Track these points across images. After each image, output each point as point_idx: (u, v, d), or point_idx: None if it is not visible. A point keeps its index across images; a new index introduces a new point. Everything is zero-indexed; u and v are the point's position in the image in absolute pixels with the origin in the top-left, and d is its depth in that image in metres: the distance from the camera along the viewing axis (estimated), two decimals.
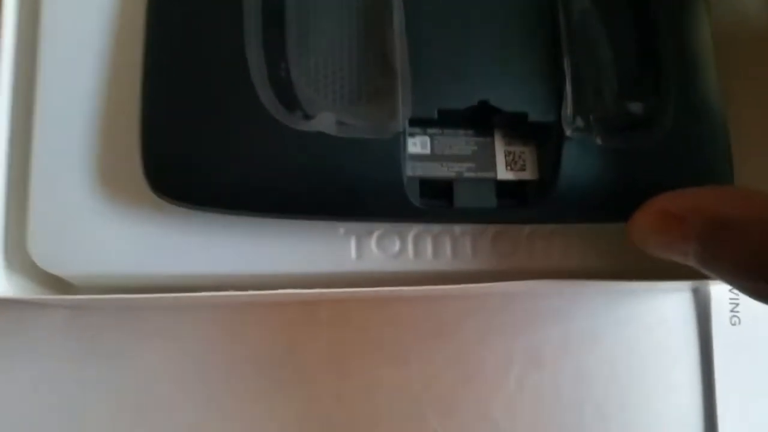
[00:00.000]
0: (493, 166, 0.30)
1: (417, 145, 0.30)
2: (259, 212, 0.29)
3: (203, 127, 0.28)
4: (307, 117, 0.28)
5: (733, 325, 0.43)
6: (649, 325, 0.42)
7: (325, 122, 0.28)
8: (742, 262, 0.25)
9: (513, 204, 0.30)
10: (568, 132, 0.29)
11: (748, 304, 0.43)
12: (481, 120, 0.30)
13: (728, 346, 0.43)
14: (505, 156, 0.31)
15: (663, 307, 0.43)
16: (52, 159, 0.29)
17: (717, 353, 0.42)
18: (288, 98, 0.28)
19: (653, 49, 0.32)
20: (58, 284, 0.31)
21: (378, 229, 0.32)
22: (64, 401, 0.38)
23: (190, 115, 0.28)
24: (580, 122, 0.30)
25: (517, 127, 0.30)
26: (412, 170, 0.30)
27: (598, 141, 0.30)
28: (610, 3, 0.32)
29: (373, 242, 0.31)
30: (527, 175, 0.31)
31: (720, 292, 0.43)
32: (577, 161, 0.30)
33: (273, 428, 0.39)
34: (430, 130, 0.30)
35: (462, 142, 0.31)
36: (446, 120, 0.30)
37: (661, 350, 0.42)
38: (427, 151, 0.30)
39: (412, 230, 0.32)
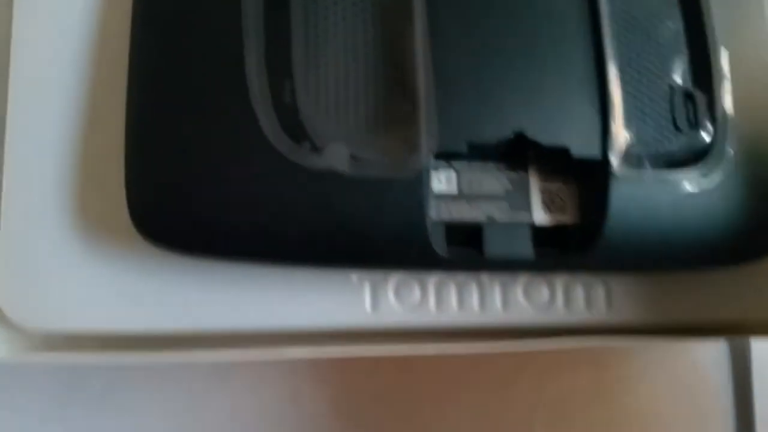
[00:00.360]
0: (528, 207, 0.26)
1: (442, 181, 0.26)
2: (260, 260, 0.25)
3: (197, 161, 0.24)
4: (316, 149, 0.24)
5: None
6: (681, 374, 0.38)
7: (336, 157, 0.24)
8: None
9: (552, 253, 0.26)
10: (616, 170, 0.26)
11: None
12: (515, 152, 0.26)
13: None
14: (542, 195, 0.27)
15: (696, 355, 0.38)
16: (24, 198, 0.26)
17: (759, 407, 0.38)
18: (294, 126, 0.24)
19: (708, 68, 0.28)
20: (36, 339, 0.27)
21: (395, 276, 0.28)
22: None
23: (182, 146, 0.25)
24: (630, 158, 0.26)
25: (556, 162, 0.27)
26: (436, 212, 0.26)
27: (651, 179, 0.26)
28: (659, 17, 0.29)
29: (390, 291, 0.27)
30: (568, 218, 0.27)
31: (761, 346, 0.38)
32: (627, 203, 0.26)
33: None
34: (456, 163, 0.27)
35: (493, 178, 0.27)
36: (475, 152, 0.26)
37: (694, 400, 0.38)
38: (454, 189, 0.26)
39: (434, 277, 0.28)
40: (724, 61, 0.29)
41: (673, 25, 0.29)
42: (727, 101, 0.28)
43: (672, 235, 0.26)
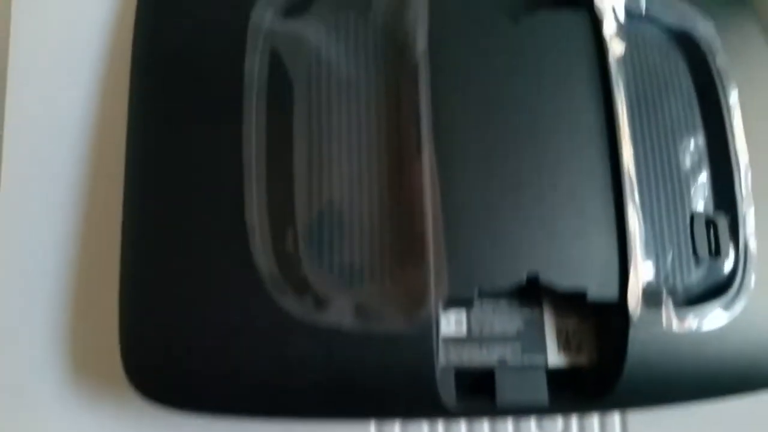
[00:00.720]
0: (542, 349, 0.25)
1: (451, 323, 0.25)
2: (261, 416, 0.24)
3: (194, 315, 0.23)
4: (320, 302, 0.23)
5: None
6: None
7: (341, 313, 0.23)
8: None
9: (567, 396, 0.25)
10: (635, 312, 0.24)
11: None
12: (529, 289, 0.25)
13: None
14: (557, 335, 0.25)
15: None
16: (15, 346, 0.25)
17: None
18: (296, 277, 0.23)
19: (731, 190, 0.27)
20: None
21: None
22: None
23: (180, 299, 0.23)
24: (649, 296, 0.25)
25: (572, 299, 0.25)
26: (445, 358, 0.25)
27: (671, 321, 0.25)
28: (681, 137, 0.27)
29: (396, 429, 0.26)
30: (584, 359, 0.25)
31: None
32: (647, 346, 0.24)
33: None
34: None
35: (505, 317, 0.25)
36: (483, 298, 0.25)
37: None
38: (463, 331, 0.25)
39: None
40: (747, 180, 0.27)
41: (696, 145, 0.27)
42: (750, 225, 0.27)
43: (693, 371, 0.25)
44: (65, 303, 0.25)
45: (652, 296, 0.25)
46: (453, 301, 0.24)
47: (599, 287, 0.24)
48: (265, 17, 0.25)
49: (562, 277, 0.24)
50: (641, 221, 0.25)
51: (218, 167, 0.24)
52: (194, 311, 0.23)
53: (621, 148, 0.25)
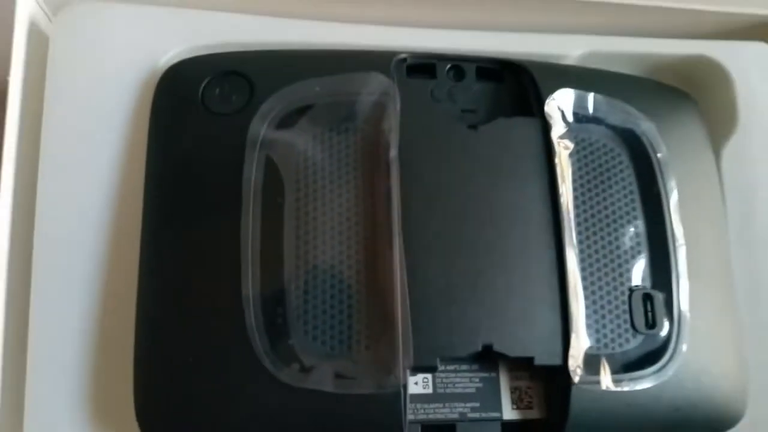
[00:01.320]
0: (498, 406, 0.29)
1: (419, 384, 0.29)
2: None
3: (197, 378, 0.28)
4: (304, 369, 0.27)
5: None
6: None
7: (322, 378, 0.27)
8: None
9: None
10: (575, 375, 0.28)
11: None
12: (486, 356, 0.29)
13: None
14: (511, 393, 0.30)
15: None
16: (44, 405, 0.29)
17: None
18: (284, 349, 0.28)
19: (667, 269, 0.31)
20: None
21: None
22: None
23: (185, 363, 0.28)
24: (589, 361, 0.29)
25: (524, 364, 0.29)
26: (413, 413, 0.29)
27: (608, 385, 0.29)
28: (622, 222, 0.31)
29: None
30: (535, 414, 0.29)
31: None
32: (587, 404, 0.29)
33: None
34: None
35: (466, 379, 0.30)
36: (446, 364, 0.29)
37: None
38: (429, 390, 0.29)
39: None
40: (682, 259, 0.31)
41: (636, 229, 0.32)
42: (684, 299, 0.31)
43: (629, 426, 0.29)
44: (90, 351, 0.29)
45: (591, 359, 0.29)
46: (418, 368, 0.28)
47: (545, 354, 0.29)
48: (260, 130, 0.29)
49: (513, 347, 0.29)
50: (582, 298, 0.29)
51: (220, 255, 0.28)
52: (197, 377, 0.28)
53: (565, 234, 0.30)
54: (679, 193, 0.32)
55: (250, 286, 0.28)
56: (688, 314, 0.31)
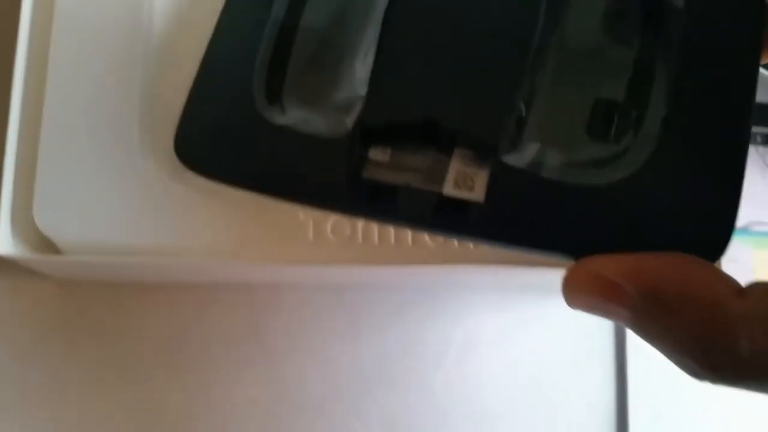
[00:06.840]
0: (441, 182, 0.31)
1: (378, 153, 0.32)
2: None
3: (216, 117, 0.34)
4: (283, 111, 0.33)
5: None
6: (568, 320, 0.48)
7: (294, 118, 0.33)
8: (671, 340, 0.25)
9: (449, 221, 0.31)
10: (507, 160, 0.30)
11: None
12: (439, 138, 0.31)
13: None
14: (457, 175, 0.31)
15: None
16: (60, 131, 0.36)
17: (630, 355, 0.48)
18: (274, 95, 0.34)
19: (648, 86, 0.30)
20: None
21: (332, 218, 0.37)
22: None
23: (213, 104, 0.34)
24: (527, 152, 0.31)
25: (475, 150, 0.31)
26: (367, 173, 0.32)
27: (545, 174, 0.30)
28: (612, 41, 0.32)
29: (328, 228, 0.37)
30: (473, 195, 0.31)
31: None
32: (513, 189, 0.30)
33: (241, 399, 0.44)
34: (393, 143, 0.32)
35: (421, 157, 0.32)
36: (401, 134, 0.31)
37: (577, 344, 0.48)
38: (387, 159, 0.32)
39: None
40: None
41: (627, 38, 0.31)
42: (655, 123, 0.29)
43: (556, 224, 0.29)
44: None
45: (530, 149, 0.31)
46: (369, 129, 0.31)
47: (483, 133, 0.30)
48: None
49: (454, 120, 0.30)
50: (538, 89, 0.31)
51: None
52: (218, 117, 0.34)
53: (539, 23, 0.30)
54: None
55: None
56: (657, 131, 0.29)
